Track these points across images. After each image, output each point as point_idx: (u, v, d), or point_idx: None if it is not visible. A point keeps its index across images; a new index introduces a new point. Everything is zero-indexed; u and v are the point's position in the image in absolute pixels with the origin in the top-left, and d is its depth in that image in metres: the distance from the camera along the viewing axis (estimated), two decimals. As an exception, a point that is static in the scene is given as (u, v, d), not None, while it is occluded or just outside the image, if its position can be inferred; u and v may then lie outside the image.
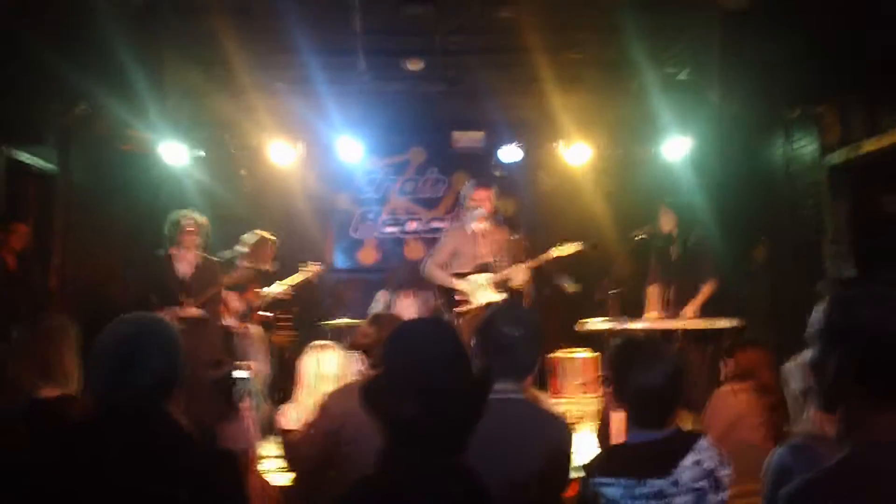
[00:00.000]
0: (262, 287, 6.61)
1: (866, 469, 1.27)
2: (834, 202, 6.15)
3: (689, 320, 6.17)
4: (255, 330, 6.56)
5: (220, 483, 1.86)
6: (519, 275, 5.90)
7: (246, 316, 6.52)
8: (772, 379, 4.13)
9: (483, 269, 6.07)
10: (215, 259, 6.34)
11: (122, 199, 7.42)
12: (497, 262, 6.04)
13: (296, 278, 6.72)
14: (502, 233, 6.31)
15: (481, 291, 5.97)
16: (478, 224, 6.12)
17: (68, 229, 7.04)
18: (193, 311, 5.87)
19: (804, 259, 6.55)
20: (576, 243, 5.88)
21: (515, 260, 6.14)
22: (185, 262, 6.03)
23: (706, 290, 6.25)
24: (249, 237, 6.69)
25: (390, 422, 1.52)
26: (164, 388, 1.92)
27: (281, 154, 7.70)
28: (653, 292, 6.51)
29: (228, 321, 6.41)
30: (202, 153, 7.64)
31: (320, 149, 7.94)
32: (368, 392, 1.56)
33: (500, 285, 5.97)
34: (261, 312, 6.66)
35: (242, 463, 3.20)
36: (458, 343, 1.61)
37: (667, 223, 6.47)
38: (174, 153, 7.40)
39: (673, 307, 6.35)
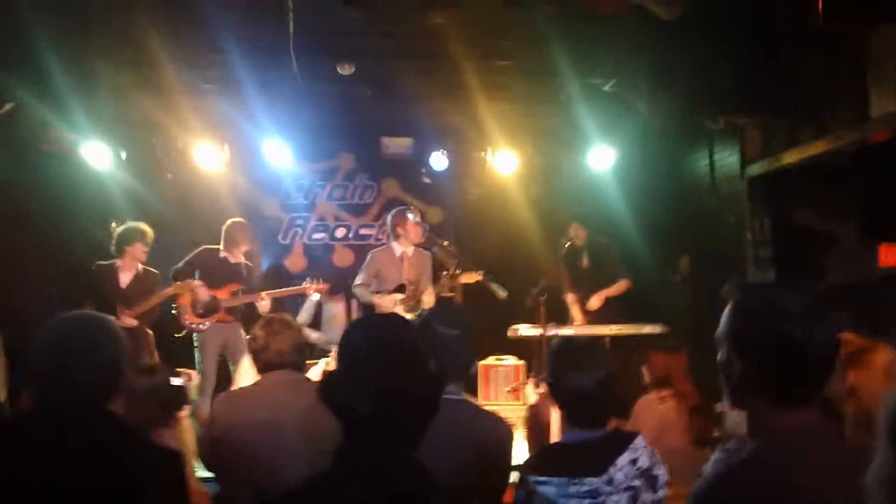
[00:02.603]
0: (243, 286, 6.43)
1: (767, 464, 1.36)
2: (753, 213, 6.38)
3: (615, 326, 6.49)
4: (213, 328, 6.31)
5: (165, 478, 1.86)
6: (429, 297, 6.21)
7: (210, 313, 6.30)
8: (688, 384, 4.26)
9: (399, 289, 6.40)
10: (153, 271, 6.36)
11: (43, 200, 7.14)
12: (413, 284, 6.36)
13: (292, 290, 6.71)
14: (426, 257, 6.63)
15: (394, 309, 6.18)
16: (403, 249, 6.48)
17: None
18: (129, 322, 5.91)
19: (725, 268, 6.76)
20: (478, 272, 6.22)
21: (433, 280, 6.52)
22: (127, 272, 6.16)
23: (618, 287, 6.81)
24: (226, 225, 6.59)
25: (344, 418, 1.51)
26: (107, 386, 1.91)
27: (208, 157, 7.49)
28: (572, 299, 6.82)
29: (189, 318, 6.23)
30: (127, 154, 7.41)
31: (248, 152, 7.78)
32: (324, 387, 1.55)
33: (412, 306, 6.24)
34: (228, 309, 6.38)
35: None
36: (413, 340, 1.60)
37: (577, 235, 6.85)
38: (97, 154, 7.15)
39: (590, 313, 6.74)
